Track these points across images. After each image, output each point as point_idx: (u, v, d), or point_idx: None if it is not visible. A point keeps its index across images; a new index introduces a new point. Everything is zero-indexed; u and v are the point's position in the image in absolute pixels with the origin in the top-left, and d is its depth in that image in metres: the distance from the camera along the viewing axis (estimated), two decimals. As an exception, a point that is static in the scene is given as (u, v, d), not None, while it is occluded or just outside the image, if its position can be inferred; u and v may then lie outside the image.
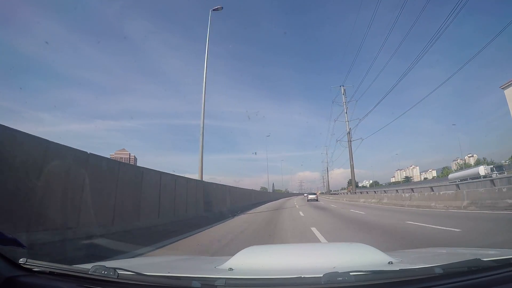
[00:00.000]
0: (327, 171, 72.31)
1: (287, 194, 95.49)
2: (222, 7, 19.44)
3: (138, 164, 13.13)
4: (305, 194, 62.54)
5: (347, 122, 30.73)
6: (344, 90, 31.85)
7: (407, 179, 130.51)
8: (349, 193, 35.89)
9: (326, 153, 63.20)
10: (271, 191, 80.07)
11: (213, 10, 19.24)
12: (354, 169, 29.91)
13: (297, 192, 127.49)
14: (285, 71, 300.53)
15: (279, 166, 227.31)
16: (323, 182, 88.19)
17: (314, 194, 38.63)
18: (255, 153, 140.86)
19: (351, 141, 29.67)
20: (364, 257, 1.52)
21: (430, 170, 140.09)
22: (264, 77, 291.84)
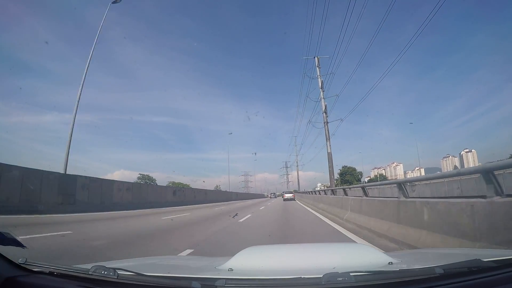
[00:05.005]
0: (299, 171, 64.63)
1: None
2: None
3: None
4: (270, 195, 64.00)
5: (322, 99, 21.91)
6: (318, 60, 22.96)
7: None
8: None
9: (296, 155, 56.10)
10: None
11: (113, 3, 18.61)
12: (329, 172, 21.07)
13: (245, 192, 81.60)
14: (247, 73, 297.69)
15: (237, 167, 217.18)
16: (287, 183, 78.85)
17: (291, 193, 40.00)
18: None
19: (327, 123, 21.55)
20: (364, 258, 1.51)
21: (417, 168, 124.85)
22: (227, 78, 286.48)
